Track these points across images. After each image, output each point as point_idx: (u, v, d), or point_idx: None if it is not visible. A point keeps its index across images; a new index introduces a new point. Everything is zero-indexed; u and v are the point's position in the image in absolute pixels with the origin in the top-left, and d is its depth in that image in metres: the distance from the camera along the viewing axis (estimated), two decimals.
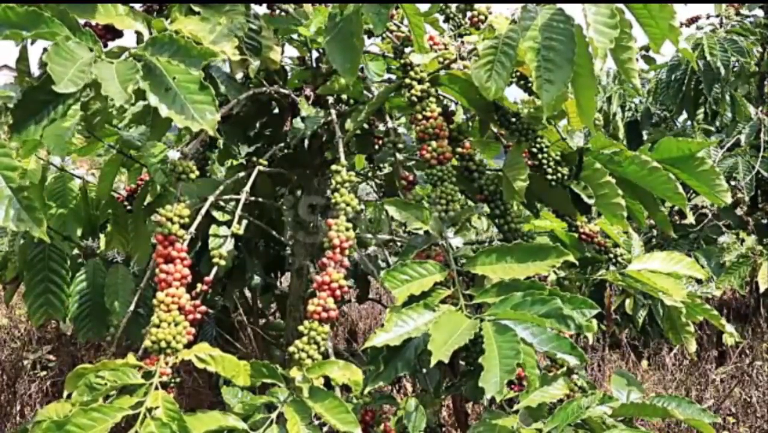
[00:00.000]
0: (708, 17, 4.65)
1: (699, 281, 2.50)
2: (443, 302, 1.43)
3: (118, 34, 1.46)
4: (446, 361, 1.25)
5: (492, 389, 1.22)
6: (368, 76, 1.93)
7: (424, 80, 1.66)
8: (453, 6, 1.96)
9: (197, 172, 1.54)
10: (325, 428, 1.35)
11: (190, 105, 1.17)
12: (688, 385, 3.43)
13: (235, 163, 2.20)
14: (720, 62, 4.08)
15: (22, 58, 1.54)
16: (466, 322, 1.34)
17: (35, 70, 1.53)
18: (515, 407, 1.40)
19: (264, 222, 2.03)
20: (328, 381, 1.36)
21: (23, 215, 1.14)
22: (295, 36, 1.94)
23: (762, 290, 3.69)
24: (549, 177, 1.73)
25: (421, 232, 1.56)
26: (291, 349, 1.36)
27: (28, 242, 1.96)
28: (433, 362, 1.23)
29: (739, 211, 4.39)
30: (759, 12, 4.62)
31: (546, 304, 1.33)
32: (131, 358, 1.28)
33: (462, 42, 1.74)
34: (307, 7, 1.84)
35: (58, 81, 1.09)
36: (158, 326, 1.32)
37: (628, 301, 3.30)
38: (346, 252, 1.44)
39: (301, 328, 1.38)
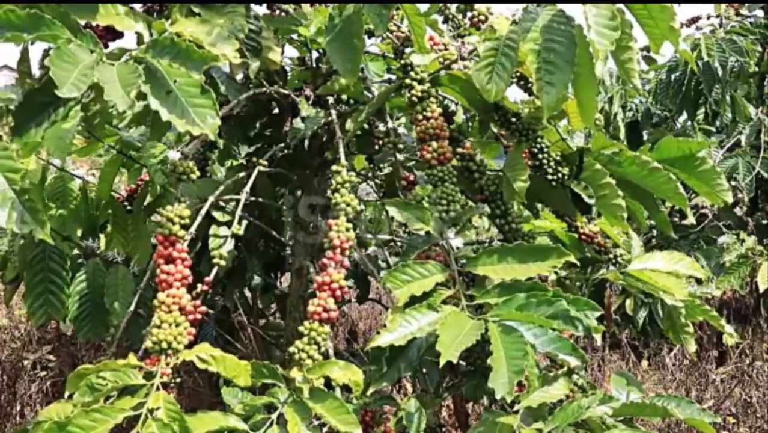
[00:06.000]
0: (708, 18, 4.64)
1: (699, 281, 2.50)
2: (444, 302, 1.43)
3: (119, 35, 1.46)
4: (455, 361, 1.25)
5: (501, 389, 1.22)
6: (368, 76, 1.93)
7: (424, 81, 1.66)
8: (453, 6, 1.96)
9: (197, 173, 1.54)
10: (325, 429, 1.35)
11: (191, 109, 1.16)
12: (688, 385, 3.43)
13: (235, 163, 2.20)
14: (718, 63, 4.08)
15: (23, 59, 1.53)
16: (471, 322, 1.34)
17: (36, 71, 1.53)
18: (516, 407, 1.40)
19: (264, 222, 2.03)
20: (328, 382, 1.36)
21: (27, 217, 1.15)
22: (295, 36, 1.94)
23: (762, 290, 3.69)
24: (549, 177, 1.73)
25: (421, 232, 1.56)
26: (291, 349, 1.36)
27: (28, 242, 1.95)
28: (442, 362, 1.24)
29: (739, 212, 4.40)
30: (759, 12, 4.61)
31: (552, 305, 1.33)
32: (132, 358, 1.28)
33: (462, 42, 1.74)
34: (306, 7, 1.84)
35: (61, 85, 1.09)
36: (159, 327, 1.32)
37: (628, 301, 3.30)
38: (347, 252, 1.44)
39: (301, 328, 1.38)
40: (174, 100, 1.16)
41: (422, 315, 1.38)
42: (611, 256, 1.83)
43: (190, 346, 1.34)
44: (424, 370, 1.60)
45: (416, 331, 1.36)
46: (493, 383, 1.23)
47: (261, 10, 1.84)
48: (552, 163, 1.73)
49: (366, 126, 1.99)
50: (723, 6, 4.55)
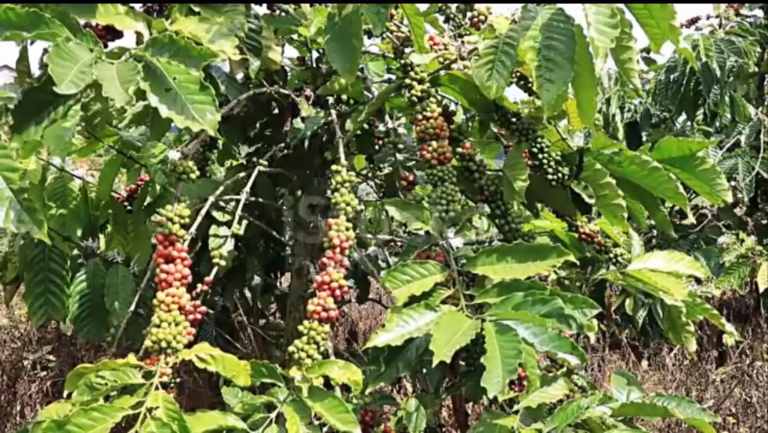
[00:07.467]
0: (708, 18, 4.64)
1: (699, 281, 2.50)
2: (444, 302, 1.43)
3: (119, 34, 1.46)
4: (448, 361, 1.25)
5: (494, 388, 1.22)
6: (368, 76, 1.93)
7: (424, 80, 1.66)
8: (453, 6, 1.96)
9: (197, 173, 1.54)
10: (324, 428, 1.35)
11: (191, 105, 1.17)
12: (688, 385, 3.43)
13: (235, 163, 2.20)
14: (716, 63, 4.08)
15: (23, 58, 1.53)
16: (468, 322, 1.34)
17: (35, 71, 1.53)
18: (515, 408, 1.40)
19: (264, 222, 2.03)
20: (328, 381, 1.36)
21: (24, 217, 1.15)
22: (295, 36, 1.94)
23: (761, 290, 3.69)
24: (549, 177, 1.73)
25: (421, 232, 1.56)
26: (291, 349, 1.36)
27: (28, 242, 1.95)
28: (435, 362, 1.23)
29: (738, 212, 4.39)
30: (759, 12, 4.61)
31: (547, 304, 1.33)
32: (132, 358, 1.28)
33: (462, 42, 1.74)
34: (306, 7, 1.84)
35: (59, 82, 1.09)
36: (159, 326, 1.32)
37: (628, 301, 3.30)
38: (346, 252, 1.44)
39: (300, 328, 1.38)
40: (173, 96, 1.16)
41: (420, 315, 1.38)
42: (611, 255, 1.83)
43: (190, 346, 1.34)
44: (424, 370, 1.60)
45: (414, 331, 1.36)
46: (486, 383, 1.23)
47: (261, 9, 1.84)
48: (552, 163, 1.73)
49: (366, 126, 1.99)
50: (722, 6, 4.55)
